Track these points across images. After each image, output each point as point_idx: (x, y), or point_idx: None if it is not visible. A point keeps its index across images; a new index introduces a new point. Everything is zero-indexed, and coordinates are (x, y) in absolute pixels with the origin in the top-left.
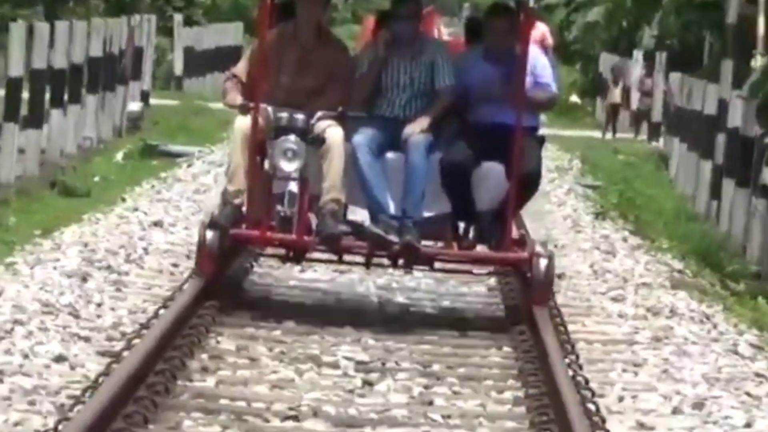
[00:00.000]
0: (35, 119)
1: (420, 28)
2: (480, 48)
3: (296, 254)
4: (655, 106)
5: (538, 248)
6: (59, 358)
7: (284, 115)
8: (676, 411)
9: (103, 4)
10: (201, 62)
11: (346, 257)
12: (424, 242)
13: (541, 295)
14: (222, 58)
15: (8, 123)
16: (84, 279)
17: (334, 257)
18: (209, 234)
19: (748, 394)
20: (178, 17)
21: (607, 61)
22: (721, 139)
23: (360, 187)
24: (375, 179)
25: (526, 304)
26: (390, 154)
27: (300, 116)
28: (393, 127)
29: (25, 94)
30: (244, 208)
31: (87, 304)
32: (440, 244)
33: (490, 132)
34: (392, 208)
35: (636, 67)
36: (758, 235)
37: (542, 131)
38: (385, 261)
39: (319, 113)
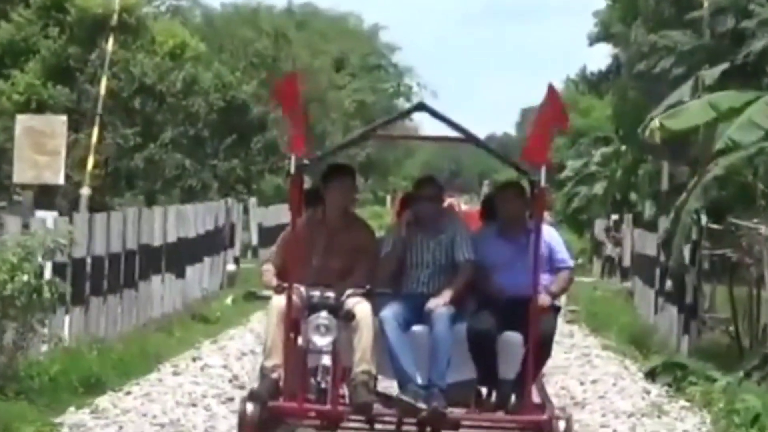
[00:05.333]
0: (180, 271)
1: (440, 208)
2: (494, 226)
3: (331, 423)
4: (625, 254)
5: (557, 411)
6: None
7: (316, 293)
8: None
9: (179, 191)
10: (269, 235)
11: (378, 425)
12: (449, 408)
13: None
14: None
15: (168, 273)
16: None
17: (366, 425)
18: (249, 407)
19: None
20: (252, 200)
21: (599, 225)
22: (657, 272)
23: (388, 359)
24: (402, 351)
25: None
26: (416, 327)
27: (331, 294)
28: (418, 302)
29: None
30: (281, 382)
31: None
32: (464, 409)
33: (508, 304)
34: (419, 377)
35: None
36: (669, 328)
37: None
38: (414, 428)
39: (349, 291)
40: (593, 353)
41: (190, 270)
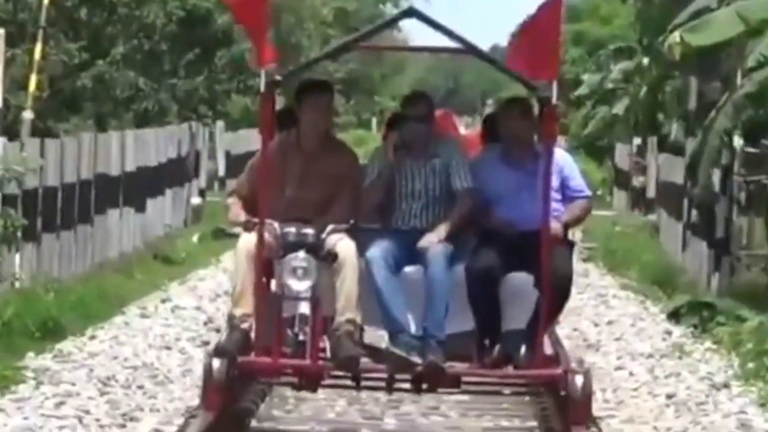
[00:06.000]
0: (140, 205)
1: (432, 129)
2: (497, 150)
3: (310, 381)
4: (649, 184)
5: (573, 364)
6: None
7: (292, 230)
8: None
9: (133, 115)
10: (237, 164)
11: (365, 383)
12: (448, 362)
13: (578, 415)
14: None
15: (126, 207)
16: None
17: (352, 383)
18: (216, 363)
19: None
20: (220, 123)
21: (621, 151)
22: (685, 202)
23: (377, 306)
24: (392, 296)
25: (564, 425)
26: (408, 268)
27: (309, 231)
28: (409, 238)
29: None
30: (252, 334)
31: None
32: (465, 363)
33: (514, 241)
34: (413, 326)
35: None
36: (699, 266)
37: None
38: (407, 385)
39: (330, 227)
40: (610, 293)
41: (150, 203)
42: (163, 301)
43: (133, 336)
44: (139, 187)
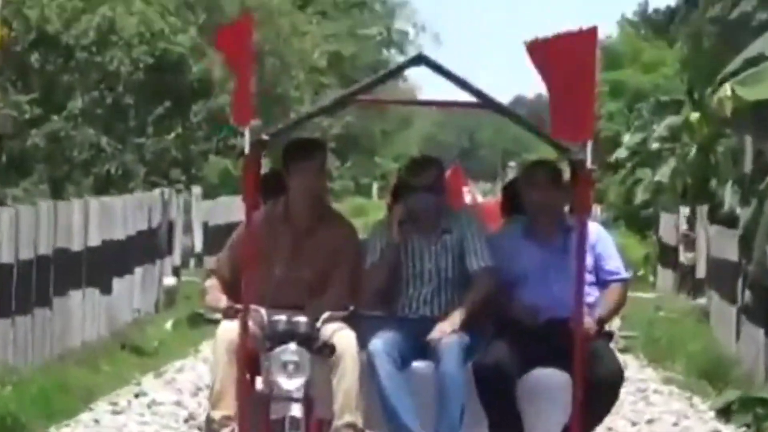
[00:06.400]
0: (105, 285)
1: (443, 200)
2: (520, 223)
3: None
4: (698, 261)
5: None
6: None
7: (282, 318)
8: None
9: (93, 180)
10: (216, 238)
11: None
12: None
13: None
14: None
15: (90, 288)
16: None
17: None
18: None
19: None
20: (196, 190)
21: (666, 222)
22: (740, 283)
23: (380, 407)
24: (399, 395)
25: None
26: (416, 363)
27: (302, 319)
28: (418, 329)
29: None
30: None
31: None
32: None
33: (540, 331)
34: (422, 431)
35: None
36: (755, 357)
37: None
38: None
39: (326, 314)
40: (651, 388)
41: (117, 283)
42: (137, 395)
43: None
44: (104, 265)
